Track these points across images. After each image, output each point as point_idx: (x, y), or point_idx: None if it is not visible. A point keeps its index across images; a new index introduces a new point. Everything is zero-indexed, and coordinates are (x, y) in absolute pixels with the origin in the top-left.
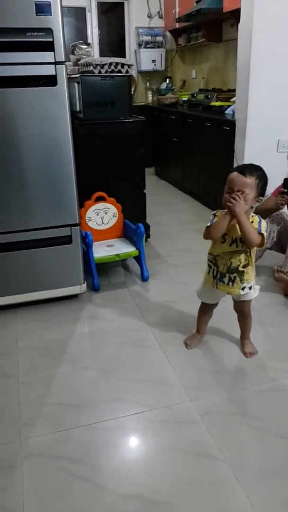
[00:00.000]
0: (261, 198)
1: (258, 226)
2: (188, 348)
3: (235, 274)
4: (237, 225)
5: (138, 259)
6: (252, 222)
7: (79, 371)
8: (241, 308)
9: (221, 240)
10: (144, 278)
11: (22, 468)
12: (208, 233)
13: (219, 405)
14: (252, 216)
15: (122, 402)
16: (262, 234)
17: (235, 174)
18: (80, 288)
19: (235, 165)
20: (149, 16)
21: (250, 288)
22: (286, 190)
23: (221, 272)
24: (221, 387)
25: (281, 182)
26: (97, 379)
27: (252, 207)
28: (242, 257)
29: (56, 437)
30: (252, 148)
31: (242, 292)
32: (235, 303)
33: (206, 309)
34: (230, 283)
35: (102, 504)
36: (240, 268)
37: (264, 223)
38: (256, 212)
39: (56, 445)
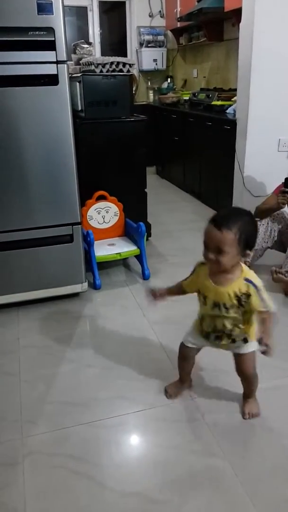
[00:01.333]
0: (248, 252)
1: (261, 305)
2: (168, 397)
3: (221, 334)
4: (220, 290)
5: (139, 258)
6: (245, 293)
7: (81, 369)
8: (237, 363)
9: (202, 299)
10: (145, 277)
11: (23, 466)
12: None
13: (220, 403)
14: (248, 286)
15: (123, 400)
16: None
17: (209, 228)
18: (81, 286)
19: (236, 164)
20: (151, 16)
21: (244, 340)
22: (287, 189)
23: (206, 331)
24: (223, 386)
25: (281, 181)
26: (98, 377)
27: (240, 262)
28: (228, 322)
29: (57, 435)
30: (253, 147)
31: (235, 350)
32: (234, 358)
33: (186, 354)
34: (217, 341)
35: (103, 502)
36: (227, 331)
37: (264, 292)
38: (257, 212)
39: (58, 443)
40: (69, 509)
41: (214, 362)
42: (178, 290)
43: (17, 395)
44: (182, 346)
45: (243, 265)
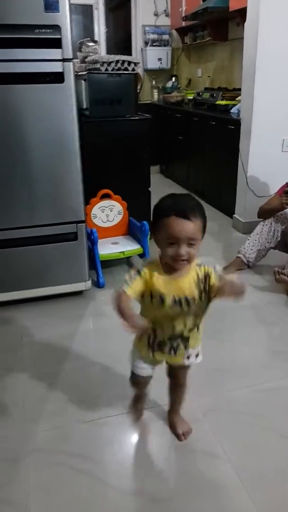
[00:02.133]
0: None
1: (220, 276)
2: (134, 421)
3: (178, 341)
4: (179, 283)
5: (143, 256)
6: (207, 274)
7: (84, 367)
8: (178, 376)
9: (158, 300)
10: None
11: (27, 463)
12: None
13: (221, 403)
14: (204, 268)
15: (125, 398)
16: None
17: (177, 221)
18: (85, 285)
19: (239, 164)
20: (156, 14)
21: (197, 355)
22: None
23: (160, 341)
24: (224, 386)
25: (285, 181)
26: (101, 375)
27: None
28: (189, 320)
29: (60, 433)
30: (257, 147)
31: (187, 362)
32: (171, 368)
33: (141, 384)
34: (172, 352)
35: (105, 500)
36: (185, 334)
37: (217, 265)
38: (261, 212)
39: (61, 441)
40: (71, 506)
41: (217, 362)
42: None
43: (20, 392)
44: (135, 377)
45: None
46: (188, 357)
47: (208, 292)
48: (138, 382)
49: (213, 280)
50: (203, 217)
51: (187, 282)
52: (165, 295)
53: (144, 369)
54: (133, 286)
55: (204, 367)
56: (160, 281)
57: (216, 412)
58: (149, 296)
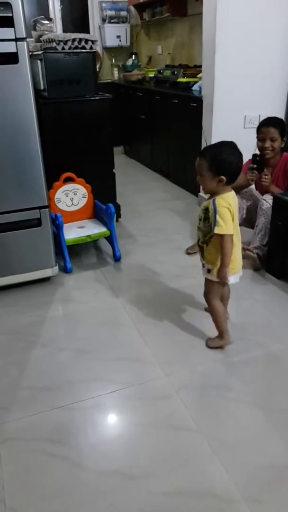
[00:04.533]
0: (223, 177)
1: (213, 222)
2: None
3: (198, 249)
4: (201, 207)
5: (110, 239)
6: (207, 208)
7: (54, 353)
8: (205, 289)
9: None
10: (116, 258)
11: (0, 453)
12: None
13: (193, 378)
14: (209, 203)
15: (98, 381)
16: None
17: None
18: (52, 271)
19: (203, 142)
20: None
21: (208, 271)
22: (255, 166)
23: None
24: (195, 361)
25: (249, 157)
26: (72, 360)
27: (220, 186)
28: (200, 234)
29: (33, 420)
30: (219, 124)
31: (201, 271)
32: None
33: None
34: (200, 255)
35: (82, 482)
36: (200, 243)
37: (220, 214)
38: None
39: (34, 428)
40: (48, 491)
41: (187, 338)
42: None
43: None
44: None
45: (226, 192)
46: (203, 265)
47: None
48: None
49: (210, 216)
50: (211, 159)
51: (202, 207)
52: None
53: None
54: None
55: (175, 343)
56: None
57: (187, 387)
58: None
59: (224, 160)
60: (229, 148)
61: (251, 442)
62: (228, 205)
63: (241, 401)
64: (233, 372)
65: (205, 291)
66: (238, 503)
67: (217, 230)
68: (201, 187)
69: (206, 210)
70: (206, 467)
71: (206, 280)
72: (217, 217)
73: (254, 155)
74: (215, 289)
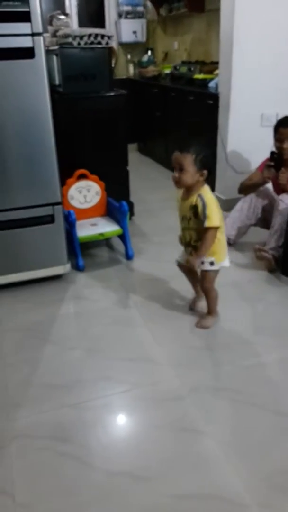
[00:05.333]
0: (205, 171)
1: (202, 217)
2: (190, 310)
3: (190, 248)
4: (183, 204)
5: (122, 237)
6: (196, 205)
7: (65, 351)
8: (202, 281)
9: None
10: (128, 257)
11: (10, 449)
12: None
13: (204, 381)
14: (197, 199)
15: (108, 380)
16: (213, 227)
17: (175, 153)
18: (64, 268)
19: (219, 140)
20: None
21: (211, 263)
22: (272, 164)
23: (184, 243)
24: (207, 363)
25: (265, 156)
26: (83, 359)
27: (199, 181)
28: (193, 233)
29: (44, 418)
30: (236, 122)
31: (202, 267)
32: (200, 276)
33: (181, 269)
34: (191, 255)
35: (91, 482)
36: (193, 243)
37: (209, 208)
38: (242, 188)
39: (44, 425)
40: (57, 489)
41: (199, 339)
42: None
43: (1, 378)
44: (177, 263)
45: (205, 186)
46: (202, 263)
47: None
48: (179, 267)
49: (199, 213)
50: (195, 153)
51: (187, 204)
52: (179, 211)
53: (179, 259)
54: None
55: (187, 345)
56: (178, 200)
57: (199, 390)
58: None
59: (207, 156)
60: (209, 146)
61: (263, 446)
62: (213, 196)
63: (253, 404)
64: (245, 375)
65: (207, 282)
66: (250, 508)
67: (208, 224)
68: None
69: (195, 207)
70: (216, 470)
71: (206, 272)
72: (207, 211)
73: (272, 153)
74: (214, 278)
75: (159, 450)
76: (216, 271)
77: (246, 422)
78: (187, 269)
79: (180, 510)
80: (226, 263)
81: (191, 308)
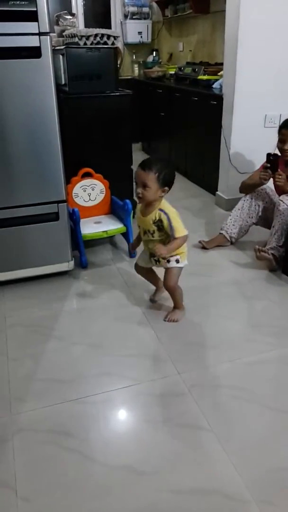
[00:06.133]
0: (167, 188)
1: (170, 230)
2: (152, 302)
3: (156, 258)
4: (145, 219)
5: (126, 235)
6: (160, 219)
7: (68, 347)
8: (165, 279)
9: (140, 230)
10: (132, 255)
11: (13, 442)
12: None
13: (206, 377)
14: (160, 214)
15: (110, 376)
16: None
17: (138, 170)
18: (67, 265)
19: (222, 140)
20: None
21: (177, 261)
22: (269, 165)
23: (149, 254)
24: (208, 360)
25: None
26: (85, 354)
27: (161, 196)
28: (157, 244)
29: (46, 412)
30: (239, 123)
31: (168, 265)
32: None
33: (138, 271)
34: (156, 263)
35: (92, 475)
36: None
37: (174, 220)
38: (242, 187)
39: (47, 420)
40: (58, 483)
41: (201, 337)
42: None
43: (5, 373)
44: (135, 264)
45: (163, 200)
46: (168, 261)
47: (163, 230)
48: (136, 269)
49: (165, 227)
50: (158, 171)
51: (149, 219)
52: (140, 226)
53: (139, 262)
54: (136, 218)
55: (189, 342)
56: (139, 215)
57: (200, 386)
58: (139, 227)
59: (169, 174)
60: (170, 162)
61: (263, 443)
62: (173, 208)
63: (254, 402)
64: (246, 373)
65: (170, 280)
66: (249, 504)
67: (177, 235)
68: (137, 199)
69: (159, 221)
70: (217, 466)
71: (172, 269)
72: (173, 224)
73: (268, 154)
74: (178, 276)
75: (160, 445)
76: (180, 269)
77: (247, 419)
78: (146, 271)
79: (180, 505)
80: (186, 262)
81: (152, 300)
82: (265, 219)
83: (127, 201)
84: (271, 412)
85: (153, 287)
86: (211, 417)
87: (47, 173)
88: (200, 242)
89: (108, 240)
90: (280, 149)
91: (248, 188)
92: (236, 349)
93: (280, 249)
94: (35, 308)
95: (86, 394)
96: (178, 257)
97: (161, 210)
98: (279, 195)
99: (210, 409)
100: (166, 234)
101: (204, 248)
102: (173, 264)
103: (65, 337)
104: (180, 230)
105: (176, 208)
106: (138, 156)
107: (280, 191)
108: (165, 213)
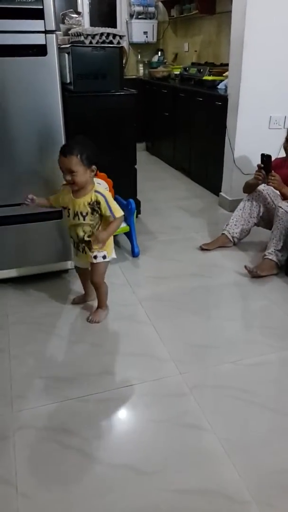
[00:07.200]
0: (94, 166)
1: (109, 211)
2: (73, 303)
3: (84, 244)
4: (77, 201)
5: (129, 235)
6: (97, 201)
7: (70, 345)
8: (92, 274)
9: (66, 213)
10: (134, 254)
11: (14, 439)
12: None
13: (207, 378)
14: (96, 195)
15: (112, 375)
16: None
17: (59, 157)
18: (70, 263)
19: (227, 141)
20: None
21: (103, 257)
22: (262, 166)
23: (76, 242)
24: (210, 361)
25: (275, 158)
26: (87, 353)
27: (92, 177)
28: (87, 228)
29: (47, 409)
30: (244, 124)
31: (94, 260)
32: (90, 269)
33: (78, 272)
34: (84, 252)
35: (93, 474)
36: (86, 238)
37: (111, 201)
38: (245, 186)
39: (48, 417)
40: (59, 480)
41: (203, 337)
42: (47, 201)
43: (7, 370)
44: (74, 267)
45: (95, 181)
46: (95, 257)
47: (99, 213)
48: (77, 271)
49: (103, 210)
50: (79, 153)
51: (83, 201)
52: (70, 209)
53: (77, 261)
54: (53, 197)
55: (191, 342)
56: (68, 197)
57: (202, 387)
58: (64, 209)
59: (91, 152)
60: (88, 140)
61: (264, 445)
62: (107, 190)
63: (255, 403)
64: (247, 374)
65: (96, 276)
66: (250, 505)
67: (118, 214)
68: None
69: (96, 203)
70: (217, 467)
71: (98, 264)
72: (111, 204)
73: (262, 155)
74: (105, 271)
75: (161, 445)
76: (107, 264)
77: (247, 420)
78: (83, 271)
79: (180, 505)
80: (114, 254)
81: (74, 301)
82: (267, 220)
83: (131, 200)
84: (272, 414)
85: (152, 286)
86: (212, 418)
87: (50, 172)
88: (201, 247)
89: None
90: (286, 149)
91: (249, 187)
92: (237, 350)
93: (278, 253)
94: (37, 306)
95: (87, 392)
96: (105, 253)
97: (97, 191)
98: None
99: (211, 409)
100: (97, 219)
101: (202, 249)
102: (100, 259)
103: (67, 335)
104: (118, 209)
105: (179, 208)
106: (142, 156)
107: (282, 194)
108: (102, 195)
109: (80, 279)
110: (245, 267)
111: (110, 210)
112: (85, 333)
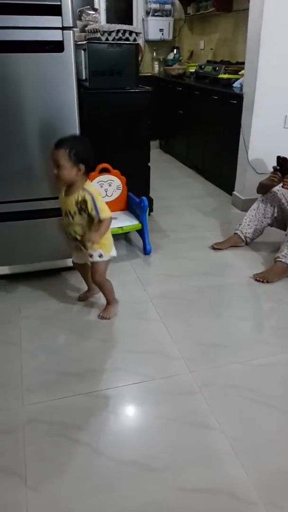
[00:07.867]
0: (82, 165)
1: (94, 210)
2: (79, 300)
3: (78, 243)
4: (67, 199)
5: (141, 232)
6: (84, 200)
7: (81, 341)
8: (92, 274)
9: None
10: (146, 252)
11: (24, 433)
12: None
13: (217, 377)
14: (84, 194)
15: (122, 371)
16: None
17: (52, 149)
18: None
19: (241, 140)
20: None
21: (100, 256)
22: (278, 168)
23: (71, 240)
24: (220, 360)
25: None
26: (98, 349)
27: (79, 175)
28: (77, 228)
29: (57, 404)
30: (259, 123)
31: (90, 259)
32: (91, 269)
33: (76, 268)
34: (81, 251)
35: (101, 469)
36: (78, 238)
37: (99, 200)
38: (259, 187)
39: (57, 412)
40: (67, 474)
41: (213, 336)
42: None
43: (18, 364)
44: (72, 263)
45: (88, 181)
46: (90, 256)
47: (87, 213)
48: (74, 265)
49: (90, 209)
50: (69, 148)
51: (71, 199)
52: (62, 207)
53: (74, 257)
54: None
55: (201, 341)
56: (61, 196)
57: (211, 386)
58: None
59: (83, 150)
60: (84, 139)
61: (273, 445)
62: (97, 190)
63: (264, 403)
64: (257, 374)
65: (98, 275)
66: (256, 505)
67: (104, 216)
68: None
69: (83, 202)
70: (225, 466)
71: (96, 264)
72: (98, 204)
73: (278, 157)
74: (105, 270)
75: (169, 442)
76: (106, 262)
77: (256, 420)
78: (80, 267)
79: (186, 503)
80: (113, 253)
81: (80, 299)
82: (281, 221)
83: (144, 198)
84: (281, 414)
85: (163, 284)
86: (221, 417)
87: None
88: (213, 246)
89: (123, 236)
90: None
91: (263, 188)
92: (247, 350)
93: None
94: (48, 301)
95: (97, 388)
96: (100, 251)
97: (85, 189)
98: None
99: (220, 408)
100: (86, 220)
101: (214, 249)
102: (96, 258)
103: (77, 331)
104: (105, 211)
105: (192, 206)
106: (155, 153)
107: None
108: (89, 193)
109: (80, 274)
110: (254, 276)
111: (96, 210)
112: (95, 329)
